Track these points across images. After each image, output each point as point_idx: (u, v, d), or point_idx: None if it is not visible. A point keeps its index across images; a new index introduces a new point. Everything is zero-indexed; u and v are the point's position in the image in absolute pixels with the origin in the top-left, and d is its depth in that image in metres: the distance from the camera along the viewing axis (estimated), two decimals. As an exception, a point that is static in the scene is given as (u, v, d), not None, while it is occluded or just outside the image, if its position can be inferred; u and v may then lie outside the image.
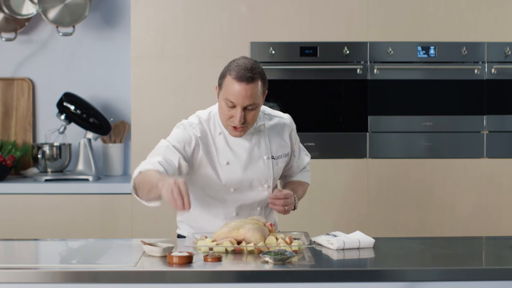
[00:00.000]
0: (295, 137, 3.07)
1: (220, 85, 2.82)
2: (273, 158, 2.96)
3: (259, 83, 2.77)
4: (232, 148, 2.90)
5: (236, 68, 2.75)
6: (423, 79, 4.25)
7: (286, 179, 3.15)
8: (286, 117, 3.05)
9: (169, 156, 2.80)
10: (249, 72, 2.74)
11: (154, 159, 2.79)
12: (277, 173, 3.00)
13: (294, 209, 2.97)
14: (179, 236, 3.06)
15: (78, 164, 4.50)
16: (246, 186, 2.93)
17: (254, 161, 2.92)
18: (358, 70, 4.22)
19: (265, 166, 2.94)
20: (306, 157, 3.16)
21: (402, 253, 2.76)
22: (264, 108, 3.02)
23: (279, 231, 2.92)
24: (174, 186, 2.53)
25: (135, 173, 2.76)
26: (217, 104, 2.91)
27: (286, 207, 2.87)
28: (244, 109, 2.78)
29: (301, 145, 3.15)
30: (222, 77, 2.80)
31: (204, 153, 2.88)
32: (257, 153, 2.93)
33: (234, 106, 2.77)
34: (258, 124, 2.93)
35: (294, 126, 3.07)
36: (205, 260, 2.51)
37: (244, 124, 2.81)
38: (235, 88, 2.74)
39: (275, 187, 3.04)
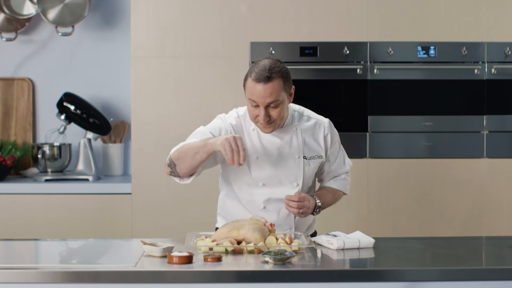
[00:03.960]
0: (333, 142, 3.09)
1: (244, 86, 2.92)
2: (305, 158, 3.01)
3: (279, 81, 2.86)
4: (263, 144, 2.98)
5: (255, 69, 2.86)
6: (423, 79, 4.25)
7: (321, 183, 3.19)
8: (325, 121, 3.09)
9: None
10: (267, 72, 2.84)
11: (190, 141, 2.91)
12: (309, 173, 3.03)
13: (314, 214, 3.03)
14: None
15: (78, 164, 4.50)
16: (275, 182, 2.98)
17: (284, 159, 2.98)
18: (358, 70, 4.22)
19: (296, 165, 2.99)
20: (345, 165, 3.16)
21: (402, 253, 2.76)
22: (304, 110, 3.10)
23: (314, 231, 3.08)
24: (232, 140, 2.71)
25: (171, 151, 2.88)
26: None
27: (300, 210, 2.91)
28: (267, 107, 2.86)
29: (343, 153, 3.16)
30: (245, 79, 2.91)
31: None
32: (288, 151, 2.99)
33: (257, 106, 2.87)
34: (293, 123, 3.00)
35: (333, 131, 3.09)
36: (205, 260, 2.52)
37: (270, 121, 2.89)
38: (255, 89, 2.85)
39: (311, 186, 3.08)
